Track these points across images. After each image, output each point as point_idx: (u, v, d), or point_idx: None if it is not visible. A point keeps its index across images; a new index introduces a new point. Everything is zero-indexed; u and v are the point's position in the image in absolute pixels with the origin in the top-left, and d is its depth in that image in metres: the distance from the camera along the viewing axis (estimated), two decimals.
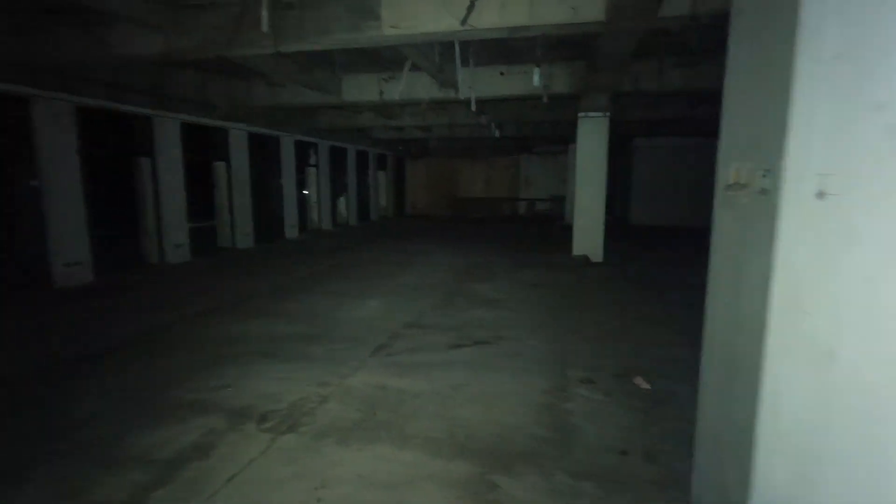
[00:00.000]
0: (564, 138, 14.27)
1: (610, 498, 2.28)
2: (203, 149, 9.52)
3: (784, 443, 1.16)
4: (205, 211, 9.72)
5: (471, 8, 4.31)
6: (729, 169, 1.46)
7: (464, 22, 4.37)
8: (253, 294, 6.35)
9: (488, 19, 4.47)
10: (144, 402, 3.24)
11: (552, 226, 14.82)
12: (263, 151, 11.08)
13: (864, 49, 0.66)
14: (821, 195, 0.77)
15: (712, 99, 7.07)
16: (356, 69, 8.02)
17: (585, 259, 8.41)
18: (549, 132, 14.00)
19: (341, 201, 15.25)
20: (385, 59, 7.24)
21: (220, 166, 10.06)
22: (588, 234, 8.44)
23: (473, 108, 7.57)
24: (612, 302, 5.87)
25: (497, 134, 12.29)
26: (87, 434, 2.83)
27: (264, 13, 4.34)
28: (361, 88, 8.31)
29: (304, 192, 13.21)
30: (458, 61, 6.12)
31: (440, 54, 6.65)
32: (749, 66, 1.16)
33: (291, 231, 12.22)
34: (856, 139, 0.64)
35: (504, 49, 6.82)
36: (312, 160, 13.57)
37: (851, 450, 1.06)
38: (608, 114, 8.04)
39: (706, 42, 6.33)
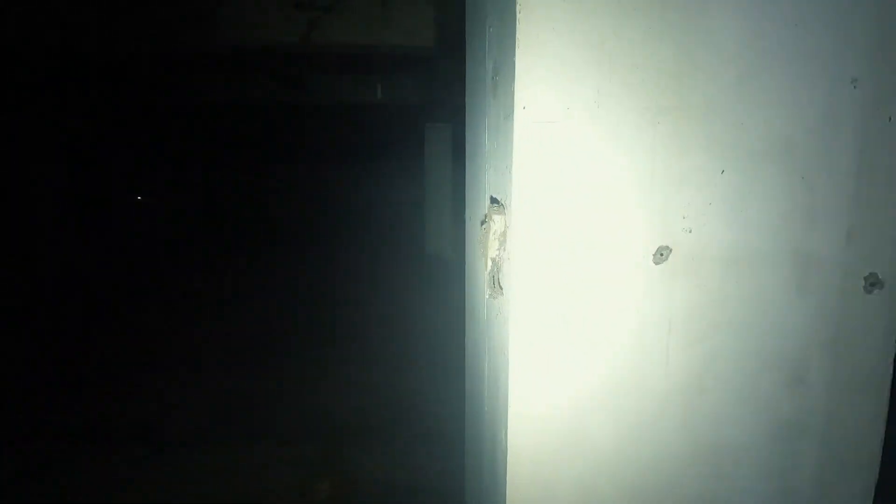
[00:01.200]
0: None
1: (441, 451, 2.77)
2: None
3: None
4: None
5: (311, 26, 4.57)
6: None
7: (305, 38, 4.61)
8: None
9: (331, 36, 4.77)
10: None
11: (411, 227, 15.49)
12: None
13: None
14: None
15: None
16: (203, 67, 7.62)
17: (436, 256, 9.13)
18: (410, 138, 14.58)
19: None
20: (233, 59, 7.04)
21: None
22: (438, 233, 9.19)
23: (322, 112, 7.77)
24: (455, 292, 6.57)
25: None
26: None
27: None
28: (206, 87, 7.94)
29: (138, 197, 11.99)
30: (306, 70, 6.29)
31: (291, 60, 6.71)
32: None
33: None
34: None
35: (356, 59, 7.12)
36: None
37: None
38: (451, 124, 8.83)
39: None
